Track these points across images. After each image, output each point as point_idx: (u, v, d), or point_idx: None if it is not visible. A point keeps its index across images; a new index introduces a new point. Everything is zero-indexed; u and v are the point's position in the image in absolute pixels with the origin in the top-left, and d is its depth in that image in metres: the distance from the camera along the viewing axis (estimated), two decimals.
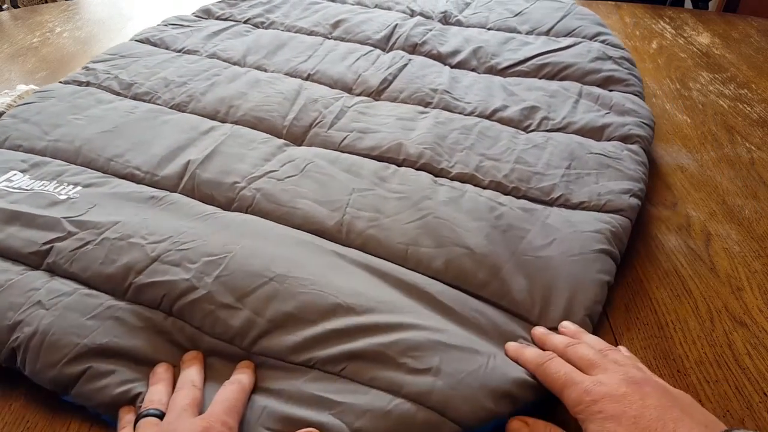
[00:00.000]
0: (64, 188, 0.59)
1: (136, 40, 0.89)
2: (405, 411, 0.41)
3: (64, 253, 0.51)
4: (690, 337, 0.51)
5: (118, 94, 0.76)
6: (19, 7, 1.38)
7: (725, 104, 0.85)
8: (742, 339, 0.51)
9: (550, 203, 0.60)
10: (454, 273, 0.52)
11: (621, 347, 0.47)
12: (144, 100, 0.75)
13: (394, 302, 0.48)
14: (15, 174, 0.61)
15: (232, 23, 0.95)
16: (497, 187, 0.62)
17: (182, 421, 0.39)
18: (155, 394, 0.42)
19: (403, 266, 0.53)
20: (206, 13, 0.98)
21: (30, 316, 0.46)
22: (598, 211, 0.59)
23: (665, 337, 0.51)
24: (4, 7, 1.35)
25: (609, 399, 0.38)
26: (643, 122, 0.71)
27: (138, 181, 0.62)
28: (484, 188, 0.62)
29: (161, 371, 0.44)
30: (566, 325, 0.49)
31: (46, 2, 1.36)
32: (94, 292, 0.49)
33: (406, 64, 0.83)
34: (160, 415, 0.40)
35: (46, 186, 0.59)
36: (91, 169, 0.63)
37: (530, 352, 0.45)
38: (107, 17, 1.14)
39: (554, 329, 0.49)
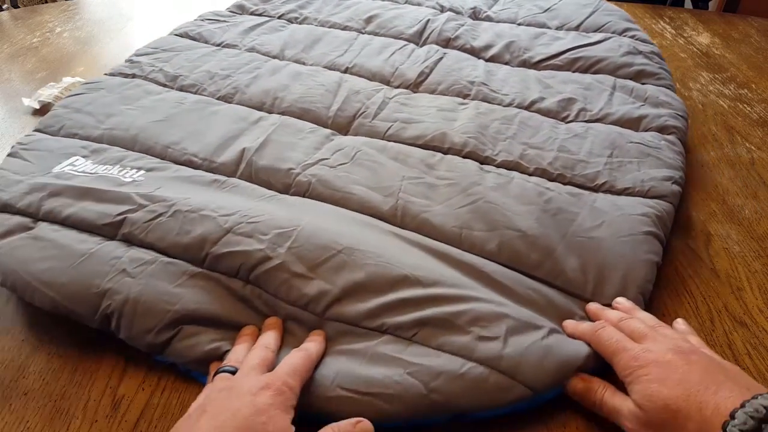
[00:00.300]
0: (127, 172, 0.61)
1: (176, 35, 0.90)
2: (478, 374, 0.43)
3: (138, 224, 0.53)
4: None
5: (164, 85, 0.78)
6: (19, 7, 1.39)
7: (725, 104, 0.86)
8: (742, 339, 0.51)
9: (595, 189, 0.62)
10: (507, 254, 0.54)
11: (679, 320, 0.49)
12: (191, 92, 0.76)
13: (457, 278, 0.50)
14: (77, 159, 0.63)
15: (267, 19, 0.97)
16: (543, 174, 0.64)
17: (248, 378, 0.41)
18: (236, 353, 0.45)
19: (459, 248, 0.55)
20: (240, 9, 1.00)
21: (118, 284, 0.48)
22: (643, 197, 0.61)
23: None
24: (4, 7, 1.36)
25: (655, 364, 0.41)
26: (677, 114, 0.73)
27: (196, 167, 0.64)
28: (530, 175, 0.64)
29: (247, 333, 0.47)
30: (620, 301, 0.51)
31: (46, 2, 1.37)
32: (173, 260, 0.51)
33: (441, 58, 0.85)
34: (234, 372, 0.42)
35: (109, 170, 0.61)
36: (149, 155, 0.65)
37: (585, 324, 0.48)
38: (107, 17, 1.14)
39: (608, 306, 0.51)
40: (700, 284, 0.57)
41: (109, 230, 0.53)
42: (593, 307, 0.51)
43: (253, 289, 0.50)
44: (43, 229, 0.54)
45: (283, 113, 0.73)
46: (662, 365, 0.41)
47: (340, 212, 0.58)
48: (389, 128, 0.70)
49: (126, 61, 0.83)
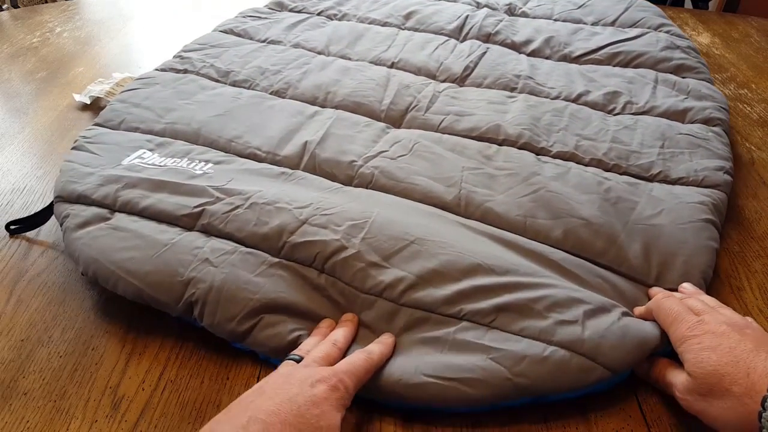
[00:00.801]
0: (197, 164, 0.62)
1: (220, 31, 0.92)
2: (560, 357, 0.44)
3: (217, 215, 0.55)
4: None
5: (217, 81, 0.79)
6: (19, 7, 1.38)
7: None
8: None
9: (650, 179, 0.64)
10: (573, 242, 0.56)
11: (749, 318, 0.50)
12: (244, 87, 0.78)
13: (528, 266, 0.52)
14: (144, 152, 0.64)
15: (307, 15, 0.98)
16: (598, 164, 0.65)
17: (308, 368, 0.42)
18: (307, 344, 0.46)
19: (524, 236, 0.56)
20: (279, 6, 1.01)
21: (202, 273, 0.50)
22: (698, 186, 0.62)
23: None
24: (4, 7, 1.36)
25: (709, 334, 0.42)
26: (720, 106, 0.75)
27: (260, 160, 0.65)
28: (587, 165, 0.65)
29: (323, 326, 0.48)
30: (686, 286, 0.52)
31: (46, 2, 1.36)
32: (253, 250, 0.52)
33: (485, 52, 0.86)
34: (299, 360, 0.43)
35: (178, 162, 0.62)
36: (214, 149, 0.66)
37: (655, 290, 0.51)
38: (107, 17, 1.14)
39: (673, 290, 0.52)
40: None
41: (188, 221, 0.55)
42: (656, 290, 0.52)
43: (328, 278, 0.51)
44: (122, 219, 0.55)
45: (336, 107, 0.74)
46: (715, 335, 0.42)
47: (406, 203, 0.59)
48: (442, 121, 0.71)
49: (175, 57, 0.84)
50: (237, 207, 0.55)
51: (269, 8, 1.01)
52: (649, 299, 0.52)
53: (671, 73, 0.83)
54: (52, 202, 0.60)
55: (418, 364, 0.45)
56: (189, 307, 0.49)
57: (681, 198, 0.60)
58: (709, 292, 0.56)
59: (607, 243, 0.56)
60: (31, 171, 0.71)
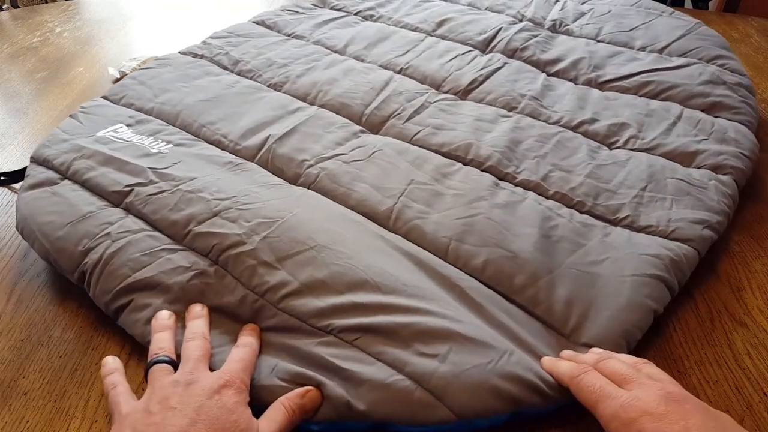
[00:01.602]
0: (157, 144, 0.65)
1: (254, 22, 0.95)
2: (403, 387, 0.42)
3: (141, 196, 0.57)
4: (690, 337, 0.51)
5: (225, 68, 0.82)
6: (19, 7, 1.37)
7: None
8: (742, 339, 0.51)
9: (614, 222, 0.57)
10: (490, 273, 0.52)
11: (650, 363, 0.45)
12: (246, 77, 0.80)
13: (422, 289, 0.49)
14: (121, 126, 0.68)
15: (344, 14, 0.99)
16: (561, 198, 0.60)
17: (201, 372, 0.41)
18: (162, 341, 0.45)
19: (442, 259, 0.53)
20: (322, 2, 1.03)
21: (99, 245, 0.52)
22: (664, 237, 0.55)
23: (665, 337, 0.51)
24: (4, 7, 1.34)
25: (648, 417, 0.37)
26: (742, 153, 0.65)
27: (222, 147, 0.67)
28: (547, 198, 0.60)
29: (164, 318, 0.47)
30: (596, 350, 0.47)
31: (46, 2, 1.35)
32: (156, 233, 0.54)
33: (500, 67, 0.82)
34: (171, 362, 0.43)
35: (143, 140, 0.66)
36: (185, 132, 0.69)
37: (565, 365, 0.44)
38: (107, 17, 1.14)
39: (586, 348, 0.47)
40: (700, 284, 0.56)
41: (116, 197, 0.58)
42: (567, 354, 0.47)
43: (218, 269, 0.51)
44: (65, 186, 0.60)
45: (322, 106, 0.74)
46: (656, 418, 0.37)
47: (335, 208, 0.58)
48: (418, 132, 0.69)
49: (201, 41, 0.89)
50: (163, 191, 0.57)
51: (312, 4, 1.03)
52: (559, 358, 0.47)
53: (702, 110, 0.73)
54: None
55: (275, 367, 0.44)
56: (82, 276, 0.52)
57: (636, 248, 0.54)
58: (709, 293, 0.55)
59: (527, 281, 0.51)
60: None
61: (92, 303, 0.53)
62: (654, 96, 0.77)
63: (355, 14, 0.99)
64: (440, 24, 0.94)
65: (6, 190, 0.69)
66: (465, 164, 0.64)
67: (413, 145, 0.67)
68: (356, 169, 0.62)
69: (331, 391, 0.42)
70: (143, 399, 0.40)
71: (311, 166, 0.63)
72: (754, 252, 0.60)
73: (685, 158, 0.65)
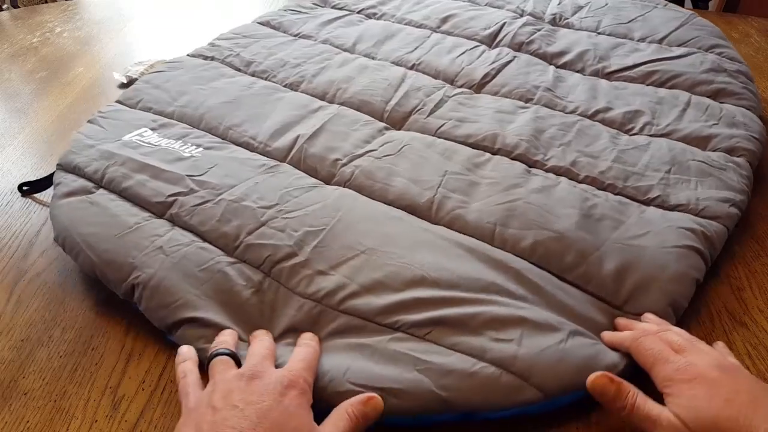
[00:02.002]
0: (188, 147, 0.65)
1: (258, 23, 0.95)
2: (489, 374, 0.43)
3: (186, 207, 0.57)
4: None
5: (238, 70, 0.82)
6: (19, 7, 1.37)
7: None
8: (742, 339, 0.51)
9: (646, 202, 0.60)
10: (540, 254, 0.53)
11: (719, 342, 0.48)
12: (261, 78, 0.80)
13: (478, 279, 0.50)
14: (146, 131, 0.68)
15: (347, 13, 1.00)
16: (592, 182, 0.62)
17: (266, 368, 0.41)
18: (223, 336, 0.46)
19: (489, 244, 0.55)
20: (323, 2, 1.04)
21: (152, 259, 0.51)
22: (695, 215, 0.58)
23: None
24: (4, 7, 1.34)
25: (701, 380, 0.39)
26: (752, 136, 0.69)
27: (252, 149, 0.67)
28: (579, 182, 0.62)
29: (227, 332, 0.47)
30: (649, 317, 0.49)
31: (46, 2, 1.35)
32: (207, 245, 0.54)
33: (510, 61, 0.84)
34: (232, 355, 0.43)
35: (172, 144, 0.65)
36: (212, 134, 0.69)
37: (625, 333, 0.47)
38: (107, 17, 1.14)
39: (637, 317, 0.49)
40: (700, 284, 0.54)
41: (160, 208, 0.57)
42: (623, 321, 0.49)
43: (272, 282, 0.51)
44: (102, 196, 0.59)
45: (342, 104, 0.75)
46: (708, 382, 0.39)
47: (374, 207, 0.58)
48: (442, 125, 0.70)
49: (208, 44, 0.88)
50: (206, 201, 0.57)
51: (314, 4, 1.03)
52: (616, 328, 0.49)
53: (708, 96, 0.77)
54: None
55: (347, 372, 0.44)
56: (131, 289, 0.51)
57: (672, 222, 0.56)
58: (708, 292, 0.55)
59: (577, 258, 0.53)
60: (31, 171, 0.72)
61: (92, 303, 0.54)
62: (661, 84, 0.80)
63: (358, 12, 1.00)
64: (444, 20, 0.95)
65: (5, 190, 0.69)
66: (493, 154, 0.66)
67: (438, 138, 0.69)
68: (389, 164, 0.63)
69: (417, 385, 0.43)
70: (206, 392, 0.40)
71: (344, 165, 0.63)
72: (754, 252, 0.60)
73: (701, 142, 0.68)
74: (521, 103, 0.75)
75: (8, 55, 0.98)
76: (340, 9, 1.02)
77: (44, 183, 0.67)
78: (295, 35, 0.92)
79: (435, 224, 0.57)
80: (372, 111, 0.73)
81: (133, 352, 0.50)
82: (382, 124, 0.71)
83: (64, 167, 0.63)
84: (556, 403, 0.44)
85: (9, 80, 0.91)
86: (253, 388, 0.39)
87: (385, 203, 0.59)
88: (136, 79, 0.87)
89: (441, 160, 0.64)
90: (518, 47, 0.88)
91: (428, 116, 0.72)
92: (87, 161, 0.62)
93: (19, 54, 0.98)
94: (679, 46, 0.88)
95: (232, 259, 0.53)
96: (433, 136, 0.69)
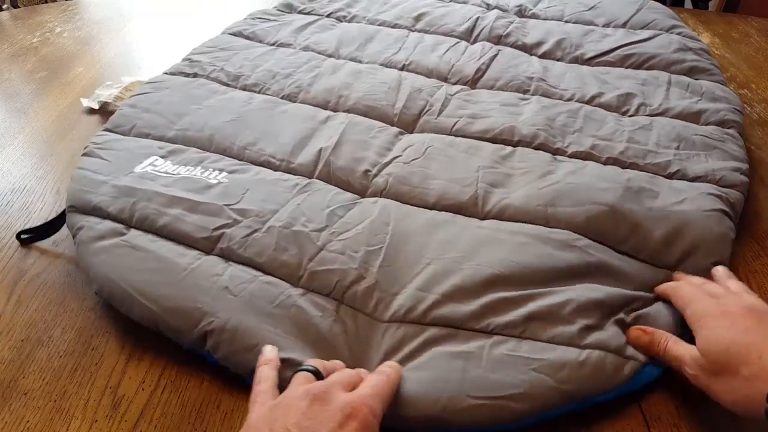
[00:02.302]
0: (210, 173, 0.61)
1: (230, 34, 0.91)
2: (597, 358, 0.45)
3: (236, 239, 0.54)
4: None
5: (227, 85, 0.79)
6: (19, 7, 1.37)
7: None
8: None
9: (669, 177, 0.63)
10: (596, 229, 0.56)
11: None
12: (255, 91, 0.77)
13: (551, 265, 0.51)
14: (156, 159, 0.64)
15: (316, 17, 0.98)
16: (615, 162, 0.65)
17: (335, 391, 0.39)
18: (313, 359, 0.44)
19: (546, 226, 0.56)
20: (288, 7, 1.01)
21: (221, 301, 0.48)
22: (716, 184, 0.62)
23: None
24: (4, 7, 1.35)
25: (726, 314, 0.42)
26: (735, 108, 0.74)
27: (275, 168, 0.64)
28: (604, 164, 0.65)
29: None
30: (719, 269, 0.52)
31: (46, 2, 1.36)
32: (270, 278, 0.51)
33: (496, 55, 0.86)
34: (315, 373, 0.41)
35: (191, 171, 0.62)
36: (228, 157, 0.65)
37: (670, 283, 0.51)
38: (107, 17, 1.14)
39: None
40: None
41: (207, 244, 0.54)
42: (679, 274, 0.53)
43: (347, 309, 0.49)
44: (138, 237, 0.54)
45: (348, 111, 0.73)
46: (732, 315, 0.42)
47: (419, 213, 0.58)
48: (455, 123, 0.71)
49: (184, 60, 0.84)
50: (255, 231, 0.55)
51: (279, 10, 1.00)
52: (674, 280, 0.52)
53: (684, 74, 0.82)
54: (65, 210, 0.59)
55: (461, 383, 0.43)
56: (203, 336, 0.47)
57: (701, 189, 0.60)
58: None
59: (629, 229, 0.56)
60: (30, 171, 0.71)
61: (92, 303, 0.53)
62: (639, 66, 0.84)
63: (327, 16, 0.98)
64: (417, 19, 0.96)
65: (5, 190, 0.67)
66: (514, 146, 0.67)
67: (456, 136, 0.69)
68: (420, 168, 0.63)
69: (538, 385, 0.43)
70: (269, 405, 0.38)
71: (375, 175, 0.63)
72: (754, 252, 0.61)
73: (694, 118, 0.73)
74: (520, 95, 0.77)
75: (8, 55, 0.97)
76: (308, 14, 0.99)
77: (49, 228, 0.61)
78: (273, 44, 0.89)
79: (485, 219, 0.58)
80: (381, 116, 0.73)
81: (133, 352, 0.49)
82: (396, 129, 0.71)
83: (78, 209, 0.58)
84: (650, 374, 0.46)
85: (9, 80, 0.90)
86: (313, 412, 0.37)
87: (426, 208, 0.59)
88: (108, 104, 0.81)
89: (468, 158, 0.65)
90: (497, 40, 0.90)
91: (438, 116, 0.73)
92: (107, 200, 0.58)
93: (19, 54, 0.97)
94: (642, 29, 0.94)
95: (300, 290, 0.51)
96: (449, 135, 0.70)
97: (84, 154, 0.65)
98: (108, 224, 0.56)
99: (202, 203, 0.57)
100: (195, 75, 0.80)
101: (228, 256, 0.53)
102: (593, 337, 0.46)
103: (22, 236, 0.61)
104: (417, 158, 0.65)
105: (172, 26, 1.01)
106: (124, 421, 0.44)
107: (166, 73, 0.81)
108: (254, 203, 0.58)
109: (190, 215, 0.56)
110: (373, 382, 0.41)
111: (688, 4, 1.74)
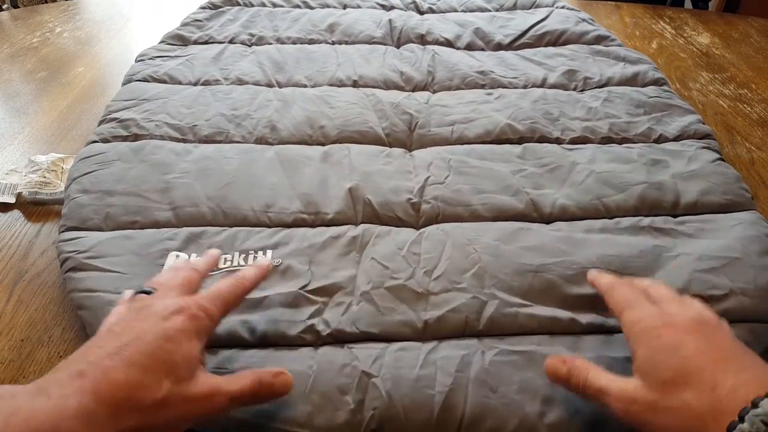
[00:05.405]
0: (258, 257, 0.53)
1: (137, 80, 0.77)
2: None
3: (335, 319, 0.47)
4: None
5: (184, 141, 0.67)
6: (19, 7, 1.39)
7: (725, 104, 0.86)
8: None
9: (657, 141, 0.69)
10: (650, 205, 0.59)
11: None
12: (219, 141, 0.67)
13: (640, 248, 0.54)
14: (176, 255, 0.52)
15: (218, 45, 0.87)
16: (609, 140, 0.69)
17: (163, 299, 0.38)
18: (162, 275, 0.43)
19: (606, 218, 0.58)
20: (179, 40, 0.88)
21: (369, 389, 0.43)
22: (694, 139, 0.69)
23: None
24: (4, 7, 1.36)
25: (671, 328, 0.36)
26: (652, 67, 0.84)
27: (310, 224, 0.57)
28: (599, 144, 0.69)
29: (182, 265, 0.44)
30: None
31: (46, 2, 1.35)
32: (401, 343, 0.47)
33: (431, 56, 0.85)
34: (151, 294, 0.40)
35: (230, 261, 0.52)
36: (251, 227, 0.56)
37: (607, 276, 0.46)
38: (107, 17, 1.13)
39: None
40: None
41: (309, 338, 0.47)
42: (595, 274, 0.49)
43: (491, 340, 0.47)
44: (235, 356, 0.45)
45: (339, 141, 0.68)
46: (679, 330, 0.35)
47: (488, 228, 0.56)
48: (452, 132, 0.70)
49: (108, 121, 0.69)
50: (349, 305, 0.49)
51: (169, 44, 0.87)
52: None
53: (595, 44, 0.90)
54: None
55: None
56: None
57: (693, 145, 0.67)
58: None
59: (671, 196, 0.60)
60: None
61: None
62: (554, 44, 0.91)
63: (230, 42, 0.88)
64: (330, 30, 0.91)
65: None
66: (520, 143, 0.68)
67: (461, 145, 0.68)
68: (459, 185, 0.61)
69: None
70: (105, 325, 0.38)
71: (420, 203, 0.59)
72: None
73: (633, 81, 0.81)
74: (480, 92, 0.78)
75: (8, 55, 0.96)
76: (205, 43, 0.88)
77: None
78: (196, 83, 0.78)
79: (547, 223, 0.58)
80: (375, 139, 0.68)
81: None
82: (398, 149, 0.67)
83: None
84: None
85: (9, 80, 0.89)
86: (138, 314, 0.36)
87: (488, 222, 0.58)
88: (36, 192, 0.64)
89: (491, 164, 0.64)
90: (421, 40, 0.90)
91: (432, 128, 0.70)
92: None
93: (19, 54, 0.97)
94: (530, 8, 1.00)
95: (431, 342, 0.47)
96: (453, 145, 0.68)
97: (74, 269, 0.51)
98: None
99: (269, 296, 0.49)
100: (136, 137, 0.67)
101: (340, 339, 0.47)
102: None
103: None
104: (448, 175, 0.62)
105: (173, 26, 0.92)
106: None
107: (95, 142, 0.66)
108: (325, 279, 0.51)
109: (268, 312, 0.48)
110: (215, 287, 0.40)
111: (688, 4, 1.69)
